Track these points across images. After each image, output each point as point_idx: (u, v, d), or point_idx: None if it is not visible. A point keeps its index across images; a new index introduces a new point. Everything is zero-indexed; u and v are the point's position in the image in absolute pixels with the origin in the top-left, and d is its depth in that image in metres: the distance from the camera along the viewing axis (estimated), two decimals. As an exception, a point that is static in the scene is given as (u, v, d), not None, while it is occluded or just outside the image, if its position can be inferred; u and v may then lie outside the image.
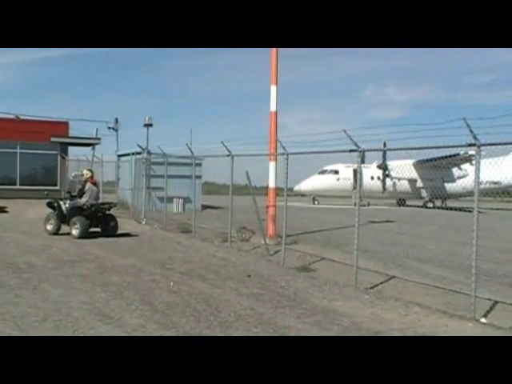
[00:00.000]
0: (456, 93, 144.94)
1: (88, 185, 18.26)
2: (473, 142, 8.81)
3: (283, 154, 13.70)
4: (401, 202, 48.51)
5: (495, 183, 37.46)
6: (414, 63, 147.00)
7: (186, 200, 29.61)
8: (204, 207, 31.10)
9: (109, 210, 18.63)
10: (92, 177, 18.72)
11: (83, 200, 17.94)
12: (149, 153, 27.86)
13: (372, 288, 10.85)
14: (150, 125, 32.23)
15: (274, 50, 17.21)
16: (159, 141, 69.83)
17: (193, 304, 9.02)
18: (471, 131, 8.65)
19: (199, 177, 27.51)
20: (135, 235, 18.97)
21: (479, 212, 8.94)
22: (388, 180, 46.01)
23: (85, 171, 19.20)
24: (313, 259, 13.95)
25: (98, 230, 18.25)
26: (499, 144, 8.95)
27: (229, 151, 16.11)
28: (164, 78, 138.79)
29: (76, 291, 9.78)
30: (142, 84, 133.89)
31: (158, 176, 26.33)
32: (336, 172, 45.84)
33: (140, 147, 27.68)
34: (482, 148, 9.03)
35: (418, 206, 44.30)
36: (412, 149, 10.84)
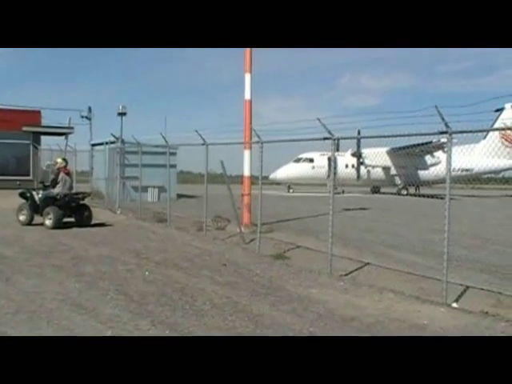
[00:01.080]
0: (432, 80, 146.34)
1: (61, 174, 18.04)
2: (444, 129, 8.92)
3: (258, 142, 13.70)
4: (375, 190, 49.01)
5: (467, 170, 38.00)
6: (389, 51, 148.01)
7: (161, 189, 29.46)
8: (179, 196, 30.99)
9: (83, 199, 18.45)
10: (66, 166, 18.47)
11: (57, 190, 17.74)
12: (123, 142, 27.67)
13: (346, 275, 10.95)
14: (124, 114, 32.07)
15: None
16: (133, 129, 69.56)
17: (168, 293, 9.02)
18: (443, 119, 8.75)
19: (174, 166, 27.35)
20: (110, 225, 18.84)
21: (451, 199, 9.07)
22: (362, 168, 46.36)
23: (58, 160, 18.82)
24: (288, 247, 14.02)
25: (72, 220, 18.07)
26: (470, 132, 9.09)
27: (203, 140, 16.06)
28: (138, 66, 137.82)
29: (50, 282, 9.70)
30: (115, 72, 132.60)
31: (132, 165, 26.14)
32: (311, 160, 46.03)
33: (114, 136, 27.48)
34: (454, 135, 9.15)
35: (392, 194, 44.75)
36: (384, 137, 10.91)
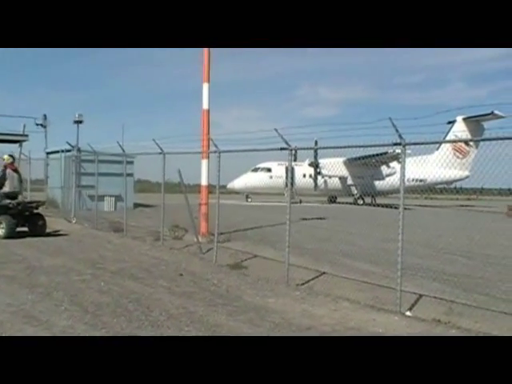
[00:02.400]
0: (388, 92, 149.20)
1: (8, 171, 17.55)
2: (398, 141, 9.11)
3: (215, 151, 13.71)
4: (332, 199, 49.58)
5: (421, 181, 38.82)
6: (346, 63, 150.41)
7: (118, 198, 29.11)
8: (136, 205, 30.71)
9: (36, 208, 18.09)
10: (13, 163, 17.99)
11: (6, 189, 17.22)
12: (79, 150, 27.28)
13: (303, 284, 11.04)
14: (81, 121, 31.59)
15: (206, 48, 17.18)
16: (91, 138, 68.52)
17: (124, 304, 8.92)
18: (397, 130, 8.94)
19: (131, 175, 27.15)
20: (65, 235, 18.52)
21: (406, 208, 9.25)
22: (319, 178, 46.86)
23: (5, 156, 18.12)
24: (245, 257, 14.05)
25: (26, 229, 17.70)
26: (423, 143, 9.30)
27: (161, 149, 15.98)
28: (96, 74, 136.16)
29: (1, 293, 9.47)
30: (72, 79, 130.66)
31: (88, 174, 25.83)
32: (269, 170, 46.26)
33: (69, 144, 27.04)
34: (408, 147, 9.35)
35: (349, 203, 45.28)
36: (340, 147, 11.06)
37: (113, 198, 29.58)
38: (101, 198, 25.86)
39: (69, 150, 27.62)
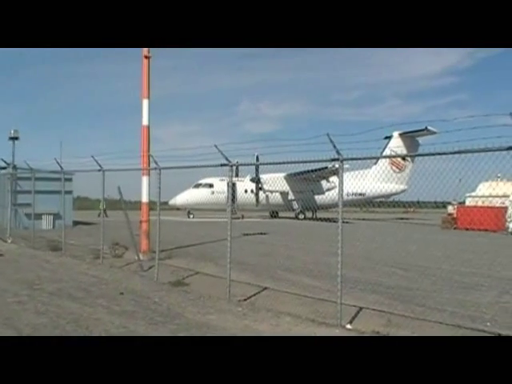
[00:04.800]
0: (327, 108, 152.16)
1: None
2: (336, 156, 9.31)
3: (155, 168, 13.63)
4: (274, 214, 49.86)
5: (360, 194, 39.73)
6: (285, 79, 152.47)
7: (57, 216, 28.51)
8: (76, 223, 30.11)
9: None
10: None
11: None
12: (14, 167, 26.59)
13: (245, 300, 11.05)
14: (16, 138, 30.76)
15: (145, 63, 17.13)
16: (27, 155, 66.73)
17: (61, 325, 8.70)
18: (334, 146, 9.13)
19: (70, 192, 26.63)
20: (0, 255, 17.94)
21: (345, 222, 9.44)
22: (261, 193, 47.14)
23: None
24: (187, 273, 13.96)
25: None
26: (359, 159, 9.54)
27: (100, 166, 15.76)
28: (32, 89, 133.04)
29: None
30: (6, 94, 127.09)
31: (25, 192, 25.17)
32: (211, 185, 46.21)
33: (4, 162, 26.33)
34: (346, 162, 9.58)
35: (290, 218, 45.72)
36: (280, 163, 11.19)
37: (51, 216, 28.96)
38: (38, 216, 25.28)
39: (4, 168, 26.88)
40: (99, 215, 36.43)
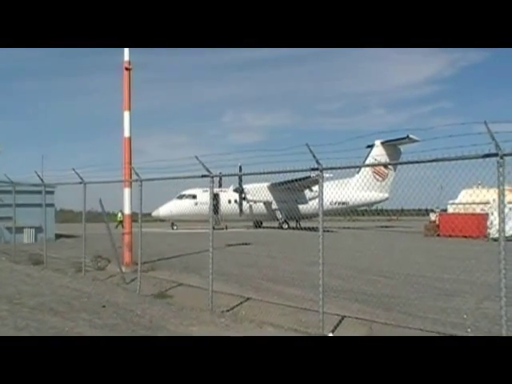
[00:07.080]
0: (311, 118, 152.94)
1: None
2: (316, 166, 9.38)
3: (137, 180, 13.60)
4: (257, 224, 49.89)
5: (343, 203, 39.88)
6: (269, 89, 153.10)
7: (38, 229, 28.27)
8: (58, 236, 29.91)
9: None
10: None
11: None
12: (-5, 181, 26.33)
13: (228, 311, 11.03)
14: (-3, 151, 30.53)
15: (125, 74, 17.14)
16: (9, 168, 66.29)
17: (42, 340, 8.62)
18: (314, 156, 9.20)
19: (51, 205, 26.43)
20: (-20, 270, 17.75)
21: (329, 231, 9.48)
22: (245, 203, 47.12)
23: None
24: (170, 285, 13.91)
25: None
26: (339, 168, 9.61)
27: (81, 178, 15.69)
28: (14, 103, 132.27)
29: None
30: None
31: (6, 205, 24.93)
32: (194, 197, 46.06)
33: (-16, 175, 26.07)
34: (329, 171, 9.65)
35: (274, 228, 45.74)
36: (261, 173, 11.20)
37: (33, 230, 28.76)
38: (20, 229, 25.10)
39: (-16, 181, 26.62)
40: (117, 227, 36.24)
